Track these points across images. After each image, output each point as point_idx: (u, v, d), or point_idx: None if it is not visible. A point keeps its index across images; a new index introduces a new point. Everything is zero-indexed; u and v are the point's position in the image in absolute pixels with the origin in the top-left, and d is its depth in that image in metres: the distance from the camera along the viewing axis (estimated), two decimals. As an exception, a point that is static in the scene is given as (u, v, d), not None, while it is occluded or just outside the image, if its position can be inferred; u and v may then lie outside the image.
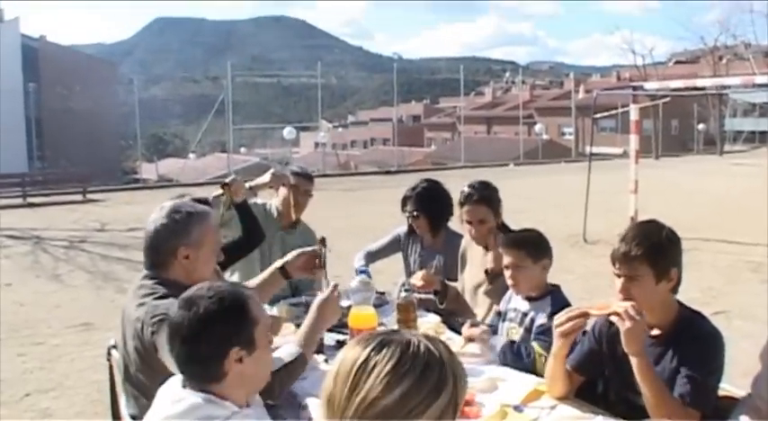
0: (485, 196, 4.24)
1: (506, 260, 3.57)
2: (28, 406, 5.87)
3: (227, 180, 4.48)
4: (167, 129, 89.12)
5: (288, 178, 4.88)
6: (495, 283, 4.07)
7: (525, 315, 3.52)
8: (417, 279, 4.28)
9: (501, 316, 3.73)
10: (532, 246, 3.55)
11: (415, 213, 4.81)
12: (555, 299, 3.47)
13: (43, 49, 45.21)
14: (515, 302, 3.63)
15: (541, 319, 3.41)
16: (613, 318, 2.68)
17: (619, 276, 2.75)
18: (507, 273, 3.58)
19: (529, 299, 3.56)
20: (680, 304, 2.81)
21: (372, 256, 5.19)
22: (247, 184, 4.68)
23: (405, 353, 1.46)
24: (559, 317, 2.85)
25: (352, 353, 1.50)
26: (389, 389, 1.42)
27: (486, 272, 4.21)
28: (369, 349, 1.48)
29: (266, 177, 4.78)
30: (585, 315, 2.79)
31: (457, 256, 4.62)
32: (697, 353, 2.67)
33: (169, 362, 2.73)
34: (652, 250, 2.70)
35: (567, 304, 3.14)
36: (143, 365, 2.83)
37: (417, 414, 1.42)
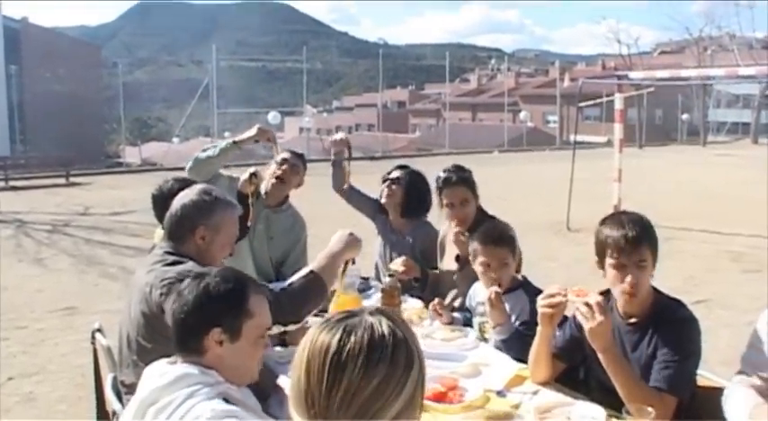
0: (463, 178, 4.29)
1: (488, 259, 3.53)
2: (11, 390, 5.86)
3: (252, 170, 4.49)
4: (151, 113, 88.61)
5: (272, 133, 4.86)
6: (465, 269, 4.08)
7: None
8: (398, 265, 4.30)
9: (470, 312, 3.76)
10: (511, 241, 3.57)
11: (398, 179, 4.76)
12: (528, 292, 3.46)
13: (25, 30, 44.68)
14: (482, 296, 3.60)
15: (524, 316, 3.41)
16: (578, 316, 2.70)
17: (623, 266, 2.72)
18: (489, 273, 3.53)
19: None
20: (656, 291, 2.83)
21: (352, 192, 5.14)
22: (234, 139, 4.72)
23: (373, 338, 1.46)
24: (542, 299, 2.87)
25: (319, 343, 1.48)
26: (368, 379, 1.43)
27: (458, 257, 4.23)
28: (336, 339, 1.47)
29: (252, 131, 4.77)
30: (564, 295, 2.79)
31: (425, 245, 4.63)
32: (673, 338, 2.69)
33: None
34: (651, 232, 2.73)
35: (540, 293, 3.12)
36: (146, 329, 2.89)
37: (397, 394, 1.45)
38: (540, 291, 3.16)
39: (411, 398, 1.47)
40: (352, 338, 1.46)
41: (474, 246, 3.63)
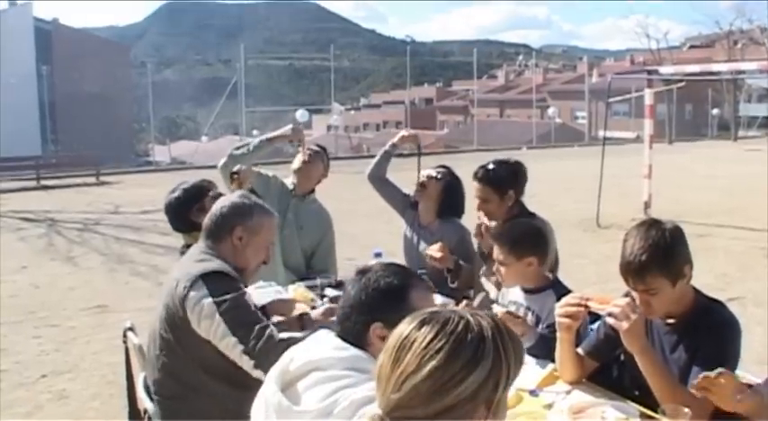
0: (488, 175, 4.25)
1: (494, 253, 3.51)
2: (44, 387, 5.92)
3: (234, 169, 4.57)
4: (180, 112, 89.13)
5: (303, 135, 5.04)
6: (489, 263, 4.04)
7: (528, 308, 3.46)
8: (435, 250, 4.27)
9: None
10: (514, 242, 3.44)
11: (438, 175, 4.76)
12: (558, 292, 3.37)
13: (56, 31, 45.29)
14: (513, 295, 3.58)
15: (552, 318, 3.33)
16: (610, 321, 2.66)
17: (635, 289, 2.69)
18: (495, 267, 3.52)
19: (526, 291, 3.52)
20: (696, 291, 2.77)
21: (382, 181, 5.19)
22: (267, 136, 4.90)
23: (440, 330, 1.52)
24: (560, 306, 2.84)
25: (400, 329, 1.58)
26: (422, 365, 1.48)
27: (448, 270, 4.22)
28: (412, 326, 1.56)
29: (287, 130, 4.94)
30: (585, 306, 2.77)
31: (453, 242, 4.59)
32: (713, 340, 2.64)
33: (192, 319, 2.85)
34: (662, 259, 2.61)
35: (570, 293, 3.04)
36: (169, 323, 2.95)
37: (449, 387, 1.48)
38: (570, 292, 3.12)
39: (472, 396, 1.49)
40: (424, 327, 1.54)
41: (492, 243, 3.61)
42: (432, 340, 1.50)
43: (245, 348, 2.77)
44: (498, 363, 1.52)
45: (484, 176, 4.25)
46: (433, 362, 1.48)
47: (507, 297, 3.64)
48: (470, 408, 1.50)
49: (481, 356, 1.50)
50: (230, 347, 2.81)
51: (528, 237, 3.48)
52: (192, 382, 2.97)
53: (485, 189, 4.24)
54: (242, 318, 2.84)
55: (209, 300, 2.83)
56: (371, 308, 2.16)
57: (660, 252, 2.61)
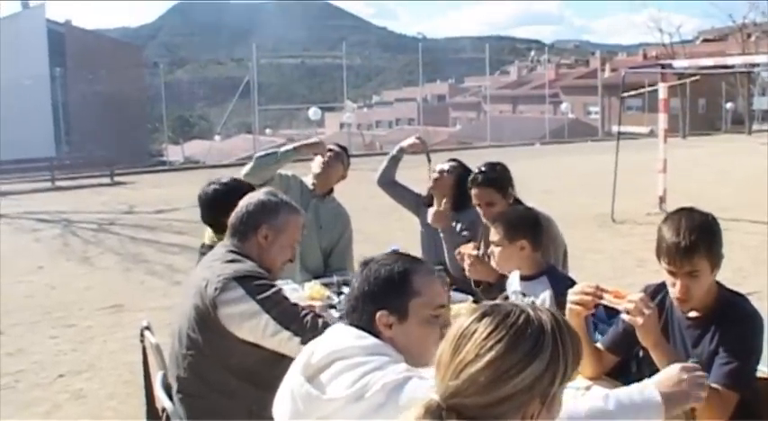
0: (489, 178, 4.23)
1: (490, 235, 3.57)
2: (62, 387, 5.95)
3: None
4: (193, 112, 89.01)
5: (326, 149, 5.08)
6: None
7: (524, 295, 3.47)
8: (469, 248, 4.17)
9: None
10: (509, 224, 3.49)
11: (449, 169, 4.78)
12: (553, 280, 3.40)
13: (69, 33, 45.33)
14: (515, 284, 3.60)
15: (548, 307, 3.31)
16: (625, 317, 2.63)
17: (674, 273, 2.65)
18: (489, 250, 3.60)
19: (522, 278, 3.54)
20: (719, 285, 2.76)
21: (395, 185, 5.25)
22: (293, 145, 5.04)
23: (501, 322, 1.56)
24: (574, 292, 2.80)
25: (461, 321, 1.62)
26: (481, 355, 1.52)
27: (477, 283, 4.20)
28: (473, 318, 1.60)
29: (313, 141, 5.24)
30: (599, 297, 2.73)
31: (469, 228, 4.60)
32: (736, 334, 2.62)
33: (227, 321, 2.85)
34: (709, 240, 2.62)
35: (567, 281, 3.01)
36: (197, 322, 2.94)
37: (506, 378, 1.51)
38: (568, 279, 3.11)
39: (528, 388, 1.53)
40: (485, 319, 1.58)
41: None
42: (492, 331, 1.54)
43: (303, 339, 2.74)
44: (556, 358, 1.55)
45: (484, 180, 4.22)
46: (492, 353, 1.51)
47: (512, 287, 3.65)
48: (525, 400, 1.54)
49: (540, 349, 1.54)
50: (285, 342, 2.81)
51: (523, 221, 3.53)
52: (218, 382, 2.97)
53: (487, 191, 4.20)
54: (289, 312, 2.87)
55: (251, 300, 2.84)
56: (375, 296, 2.17)
57: (707, 233, 2.64)
